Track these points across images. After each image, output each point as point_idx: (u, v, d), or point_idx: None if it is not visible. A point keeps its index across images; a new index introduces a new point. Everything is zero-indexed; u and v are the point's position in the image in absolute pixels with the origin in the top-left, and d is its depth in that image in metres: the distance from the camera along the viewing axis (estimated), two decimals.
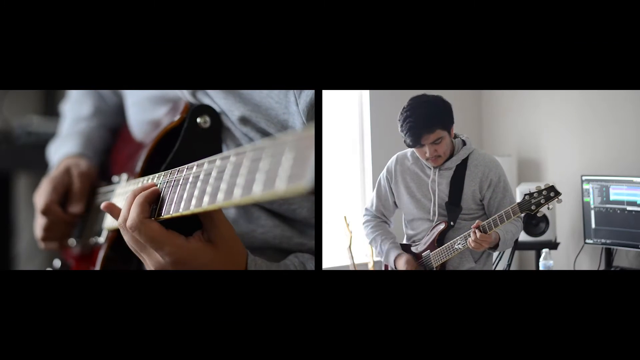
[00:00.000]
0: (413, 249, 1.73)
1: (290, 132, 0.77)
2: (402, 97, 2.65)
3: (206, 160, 0.92)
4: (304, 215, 1.15)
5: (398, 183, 1.75)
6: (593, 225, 2.30)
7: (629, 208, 2.19)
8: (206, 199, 0.88)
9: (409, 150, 1.76)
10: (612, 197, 2.24)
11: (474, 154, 1.68)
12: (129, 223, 0.96)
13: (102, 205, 1.06)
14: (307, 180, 0.71)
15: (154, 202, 1.00)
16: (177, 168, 0.99)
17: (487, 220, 1.58)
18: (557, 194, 1.55)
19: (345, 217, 2.42)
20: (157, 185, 1.01)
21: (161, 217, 0.97)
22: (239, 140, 1.13)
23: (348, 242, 2.37)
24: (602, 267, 2.35)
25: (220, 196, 0.84)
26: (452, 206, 1.66)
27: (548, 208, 1.57)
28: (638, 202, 2.17)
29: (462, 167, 1.67)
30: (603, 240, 2.29)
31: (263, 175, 0.77)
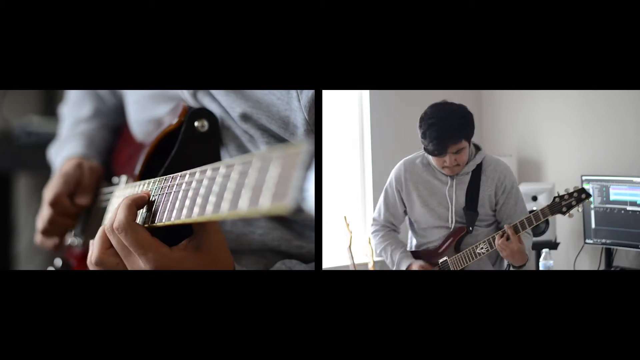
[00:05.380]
0: (424, 256, 1.71)
1: (279, 146, 0.76)
2: (402, 97, 2.67)
3: (198, 169, 0.92)
4: (303, 217, 1.14)
5: (410, 192, 1.71)
6: (593, 225, 2.30)
7: (629, 208, 2.19)
8: (196, 210, 0.87)
9: (416, 157, 1.72)
10: (612, 197, 2.24)
11: (487, 158, 1.67)
12: (115, 224, 0.95)
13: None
14: (289, 200, 0.69)
15: (142, 206, 0.99)
16: (171, 175, 0.99)
17: (514, 223, 1.57)
18: (588, 195, 1.56)
19: (345, 217, 2.42)
20: (150, 192, 1.01)
21: (154, 224, 0.97)
22: (240, 139, 1.13)
23: (348, 242, 2.37)
24: (602, 267, 2.35)
25: (209, 209, 0.84)
26: (470, 212, 1.65)
27: (578, 210, 1.57)
28: (638, 202, 2.17)
29: (477, 172, 1.66)
30: (603, 240, 2.29)
31: (249, 192, 0.76)
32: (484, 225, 1.66)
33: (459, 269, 1.65)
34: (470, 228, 1.65)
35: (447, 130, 1.57)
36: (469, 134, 1.60)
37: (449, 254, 1.66)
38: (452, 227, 1.67)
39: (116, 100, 1.51)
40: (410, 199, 1.72)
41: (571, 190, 1.57)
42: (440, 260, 1.68)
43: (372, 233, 1.81)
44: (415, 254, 1.73)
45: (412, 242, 1.78)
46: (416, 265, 1.68)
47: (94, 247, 0.99)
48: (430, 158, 1.67)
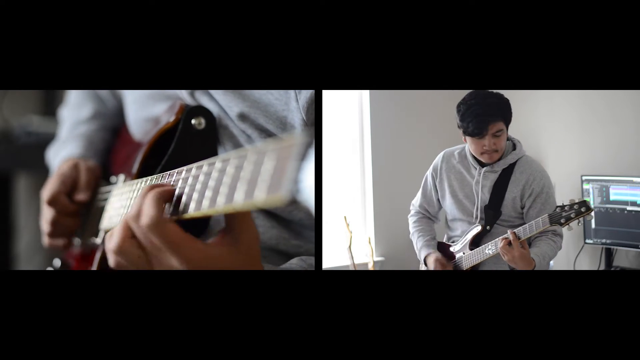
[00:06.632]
0: (451, 248, 1.72)
1: (274, 140, 0.76)
2: (402, 97, 2.67)
3: (194, 165, 0.91)
4: (300, 216, 1.14)
5: (443, 181, 1.73)
6: (593, 225, 2.30)
7: (629, 208, 2.19)
8: (192, 205, 0.87)
9: (456, 148, 1.73)
10: (612, 197, 2.24)
11: (523, 160, 1.65)
12: (144, 221, 0.87)
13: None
14: (284, 191, 0.69)
15: (169, 200, 0.93)
16: (168, 172, 0.98)
17: (517, 229, 1.55)
18: (589, 209, 1.53)
19: (345, 217, 2.42)
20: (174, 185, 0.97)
21: None
22: (237, 138, 1.13)
23: (348, 242, 2.37)
24: (602, 267, 2.35)
25: (205, 204, 0.83)
26: (491, 211, 1.64)
27: (578, 224, 1.54)
28: (638, 202, 2.17)
29: (507, 172, 1.64)
30: (603, 240, 2.29)
31: (244, 185, 0.76)
32: (508, 226, 1.63)
33: (469, 266, 1.65)
34: (488, 227, 1.64)
35: (489, 108, 1.58)
36: (507, 116, 1.60)
37: (464, 250, 1.67)
38: (475, 222, 1.67)
39: (116, 101, 1.51)
40: (442, 188, 1.74)
41: (576, 200, 1.54)
42: (457, 255, 1.69)
43: (409, 217, 1.84)
44: (441, 246, 1.75)
45: (445, 234, 1.80)
46: (432, 257, 1.69)
47: (115, 235, 0.91)
48: (468, 149, 1.67)
